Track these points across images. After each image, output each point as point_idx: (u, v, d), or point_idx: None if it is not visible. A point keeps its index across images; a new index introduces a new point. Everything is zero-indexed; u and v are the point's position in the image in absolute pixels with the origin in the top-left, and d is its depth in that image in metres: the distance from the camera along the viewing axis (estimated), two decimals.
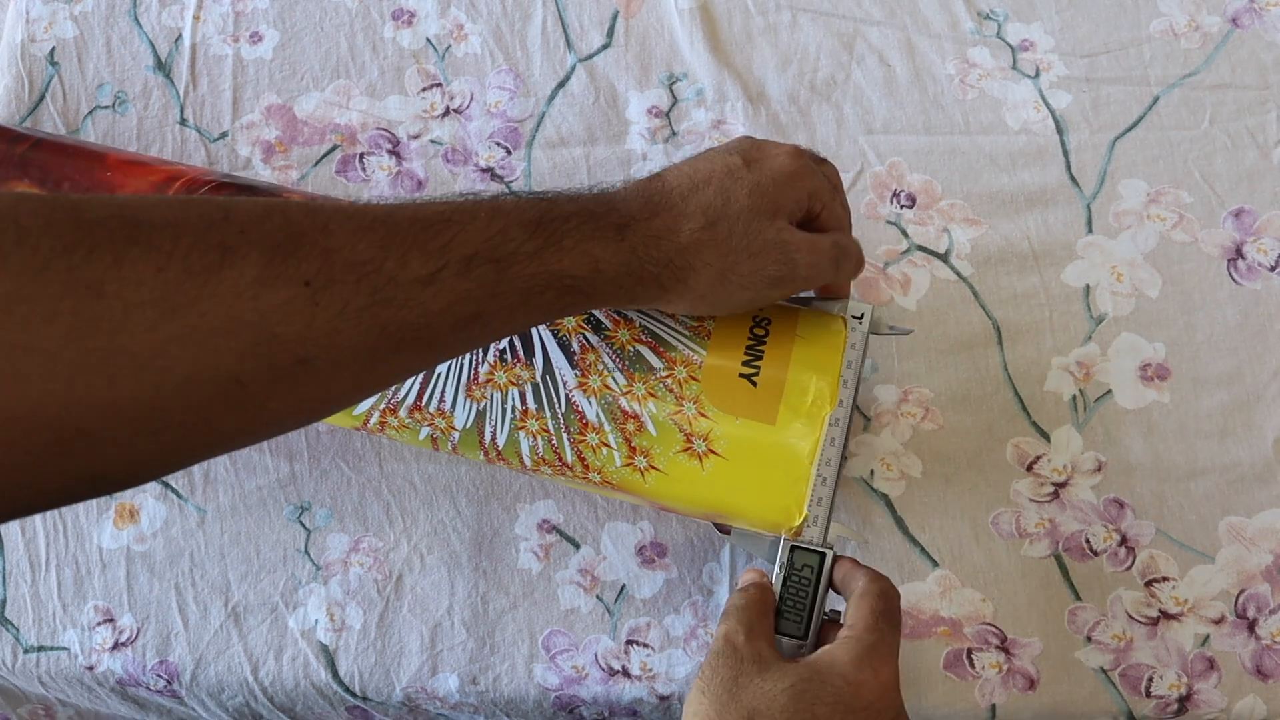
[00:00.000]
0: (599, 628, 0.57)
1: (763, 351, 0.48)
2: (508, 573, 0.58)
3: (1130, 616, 0.56)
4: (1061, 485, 0.58)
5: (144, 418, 0.32)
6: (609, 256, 0.41)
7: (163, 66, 0.68)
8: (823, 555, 0.49)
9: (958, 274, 0.62)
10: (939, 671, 0.55)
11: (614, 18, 0.69)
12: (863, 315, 0.51)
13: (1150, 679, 0.55)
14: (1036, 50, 0.67)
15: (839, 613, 0.49)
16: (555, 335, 0.51)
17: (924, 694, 0.55)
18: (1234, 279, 0.62)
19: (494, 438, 0.51)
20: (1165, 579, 0.57)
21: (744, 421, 0.47)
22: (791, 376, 0.47)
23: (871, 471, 0.59)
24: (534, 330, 0.50)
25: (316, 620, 0.57)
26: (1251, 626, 0.56)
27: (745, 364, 0.47)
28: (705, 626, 0.57)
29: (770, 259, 0.45)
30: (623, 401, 0.49)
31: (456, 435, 0.51)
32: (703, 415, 0.47)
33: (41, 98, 0.68)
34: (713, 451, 0.47)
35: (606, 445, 0.49)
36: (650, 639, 0.57)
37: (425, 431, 0.52)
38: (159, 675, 0.57)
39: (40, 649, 0.58)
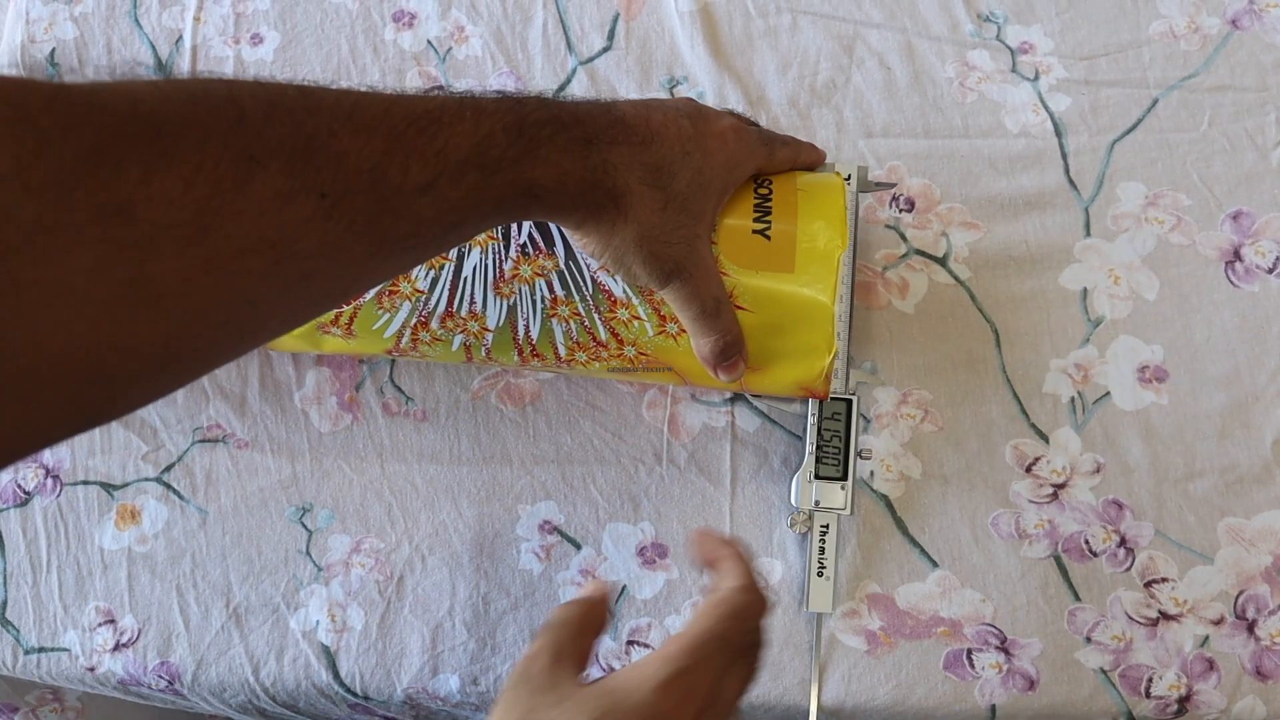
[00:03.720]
0: None
1: (770, 207, 0.49)
2: (509, 573, 0.58)
3: (1130, 617, 0.56)
4: (1060, 486, 0.58)
5: (159, 352, 0.29)
6: (574, 169, 0.41)
7: (163, 68, 0.68)
8: (850, 401, 0.57)
9: (956, 278, 0.63)
10: (939, 672, 0.56)
11: (615, 20, 0.69)
12: (850, 176, 0.55)
13: (1150, 679, 0.55)
14: (1036, 53, 0.68)
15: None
16: None
17: (924, 694, 0.55)
18: (1232, 281, 0.62)
19: (527, 331, 0.52)
20: (1164, 580, 0.57)
21: (763, 274, 0.48)
22: (802, 225, 0.49)
23: (871, 473, 0.59)
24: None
25: (318, 621, 0.57)
26: (1251, 627, 0.56)
27: (756, 220, 0.49)
28: None
29: (691, 232, 0.46)
30: None
31: (490, 337, 0.52)
32: (724, 274, 0.48)
33: None
34: (739, 307, 0.49)
35: (637, 318, 0.50)
36: (651, 639, 0.57)
37: (459, 340, 0.53)
38: (160, 676, 0.57)
39: (41, 650, 0.58)
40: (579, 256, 0.50)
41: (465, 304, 0.51)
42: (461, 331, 0.52)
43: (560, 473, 0.60)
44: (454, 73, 0.68)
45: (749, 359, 0.50)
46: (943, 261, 0.63)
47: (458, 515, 0.59)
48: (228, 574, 0.58)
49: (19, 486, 0.60)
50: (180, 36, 0.69)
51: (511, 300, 0.51)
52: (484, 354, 0.53)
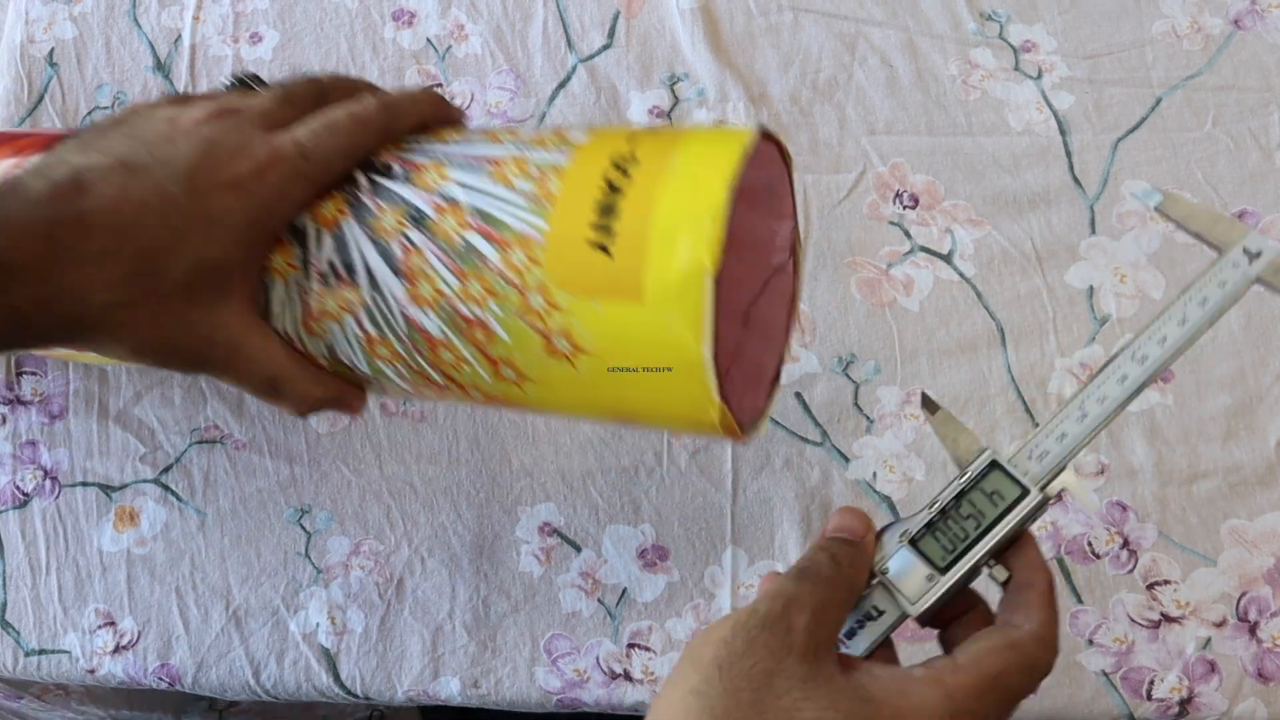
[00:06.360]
0: (600, 631, 0.57)
1: (618, 205, 0.35)
2: (509, 576, 0.58)
3: (1132, 619, 0.56)
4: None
5: None
6: (18, 316, 0.35)
7: (162, 67, 0.68)
8: (1023, 493, 0.38)
9: (961, 275, 0.62)
10: None
11: (615, 18, 0.69)
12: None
13: (1152, 682, 0.55)
14: (1039, 51, 0.67)
15: (1008, 576, 0.39)
16: (374, 241, 0.39)
17: None
18: None
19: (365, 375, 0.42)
20: (1167, 582, 0.57)
21: (604, 304, 0.35)
22: (656, 232, 0.35)
23: (874, 474, 0.59)
24: (352, 239, 0.39)
25: (318, 623, 0.57)
26: (1253, 629, 0.56)
27: (596, 228, 0.35)
28: None
29: (210, 324, 0.38)
30: (461, 307, 0.38)
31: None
32: (554, 307, 0.36)
33: (41, 99, 0.67)
34: (579, 349, 0.36)
35: (465, 361, 0.39)
36: (652, 642, 0.57)
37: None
38: (160, 678, 0.57)
39: (41, 652, 0.58)
40: (384, 289, 0.39)
41: (301, 343, 0.41)
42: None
43: (560, 474, 0.59)
44: (453, 71, 0.68)
45: (623, 413, 0.39)
46: (948, 258, 0.63)
47: (457, 517, 0.59)
48: (227, 576, 0.58)
49: (18, 488, 0.60)
50: (179, 36, 0.69)
51: (328, 340, 0.40)
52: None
